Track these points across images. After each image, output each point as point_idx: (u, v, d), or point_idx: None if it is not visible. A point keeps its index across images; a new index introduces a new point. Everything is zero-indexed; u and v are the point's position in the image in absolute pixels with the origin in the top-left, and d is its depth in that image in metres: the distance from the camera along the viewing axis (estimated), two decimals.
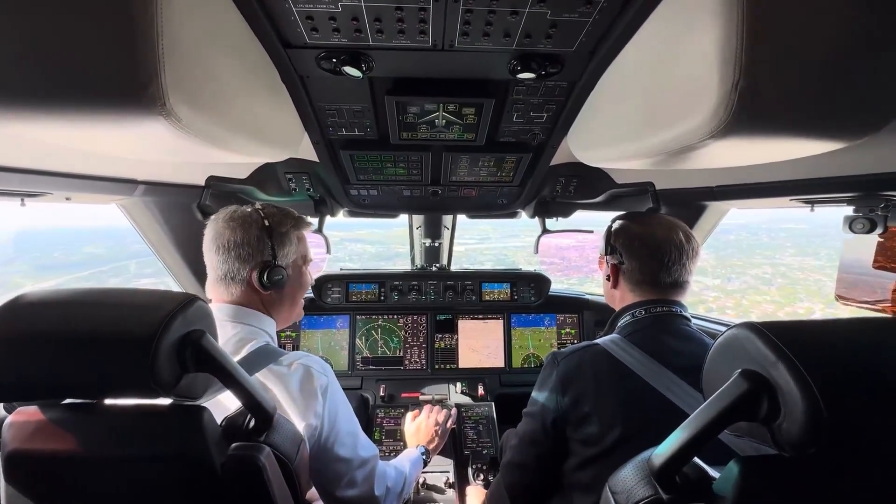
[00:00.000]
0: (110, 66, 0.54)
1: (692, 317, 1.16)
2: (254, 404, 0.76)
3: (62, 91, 0.55)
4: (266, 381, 0.97)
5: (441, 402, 2.05)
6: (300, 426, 0.95)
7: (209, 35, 0.66)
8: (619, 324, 1.18)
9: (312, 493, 1.15)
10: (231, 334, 1.03)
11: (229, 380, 0.73)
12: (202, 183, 1.52)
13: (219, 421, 0.78)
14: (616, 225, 1.27)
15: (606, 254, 1.27)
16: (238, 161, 0.93)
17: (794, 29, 0.55)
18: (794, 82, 0.57)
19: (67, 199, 1.28)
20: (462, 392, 2.16)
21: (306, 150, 1.33)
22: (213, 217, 1.15)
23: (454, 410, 1.95)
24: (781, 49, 0.55)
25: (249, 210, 1.14)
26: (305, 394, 0.99)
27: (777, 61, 0.55)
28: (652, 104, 0.77)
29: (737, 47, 0.54)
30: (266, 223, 1.13)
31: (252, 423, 0.79)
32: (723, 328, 0.64)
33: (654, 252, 1.15)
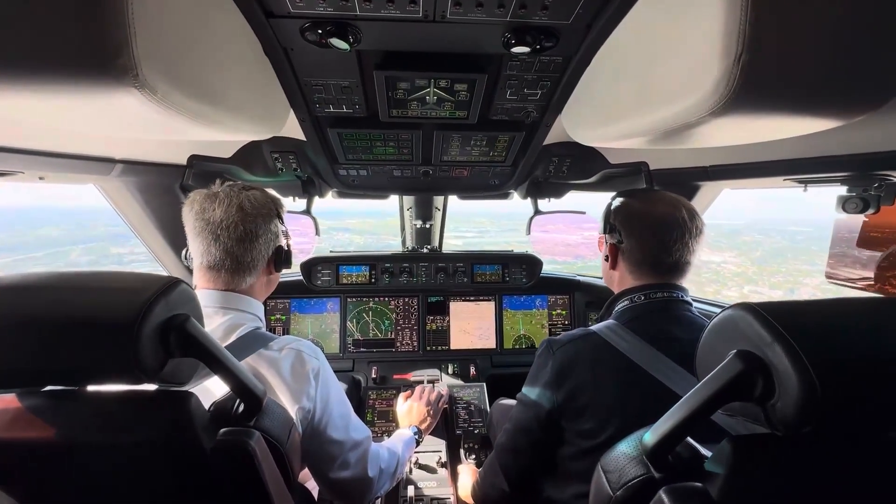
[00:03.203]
0: (76, 33, 0.50)
1: (694, 300, 1.11)
2: (243, 389, 0.75)
3: (25, 61, 0.51)
4: (257, 366, 0.95)
5: (433, 384, 2.06)
6: (292, 410, 0.94)
7: (185, 1, 0.62)
8: (615, 309, 1.13)
9: (305, 473, 1.15)
10: (221, 321, 1.01)
11: (216, 364, 0.71)
12: (184, 162, 1.47)
13: (207, 407, 0.76)
14: (616, 202, 1.20)
15: (605, 232, 1.21)
16: (220, 139, 0.89)
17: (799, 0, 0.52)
18: (798, 56, 0.55)
19: (41, 178, 1.22)
20: (454, 373, 2.17)
21: (292, 127, 1.28)
22: (194, 200, 1.06)
23: (446, 391, 1.97)
24: (786, 21, 0.53)
25: (240, 193, 1.07)
26: (297, 378, 0.98)
27: (782, 34, 0.53)
28: (650, 80, 0.74)
29: (741, 19, 0.52)
30: (275, 208, 1.12)
31: (241, 408, 0.77)
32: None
33: (655, 230, 1.08)
